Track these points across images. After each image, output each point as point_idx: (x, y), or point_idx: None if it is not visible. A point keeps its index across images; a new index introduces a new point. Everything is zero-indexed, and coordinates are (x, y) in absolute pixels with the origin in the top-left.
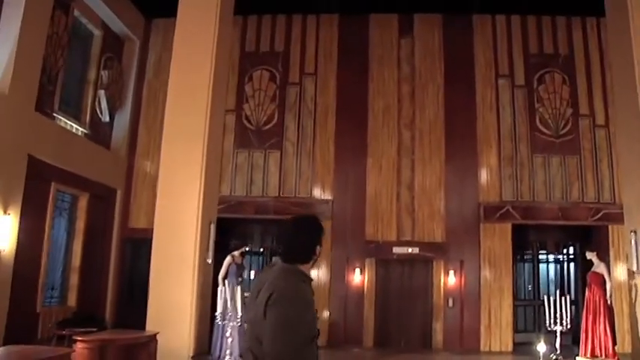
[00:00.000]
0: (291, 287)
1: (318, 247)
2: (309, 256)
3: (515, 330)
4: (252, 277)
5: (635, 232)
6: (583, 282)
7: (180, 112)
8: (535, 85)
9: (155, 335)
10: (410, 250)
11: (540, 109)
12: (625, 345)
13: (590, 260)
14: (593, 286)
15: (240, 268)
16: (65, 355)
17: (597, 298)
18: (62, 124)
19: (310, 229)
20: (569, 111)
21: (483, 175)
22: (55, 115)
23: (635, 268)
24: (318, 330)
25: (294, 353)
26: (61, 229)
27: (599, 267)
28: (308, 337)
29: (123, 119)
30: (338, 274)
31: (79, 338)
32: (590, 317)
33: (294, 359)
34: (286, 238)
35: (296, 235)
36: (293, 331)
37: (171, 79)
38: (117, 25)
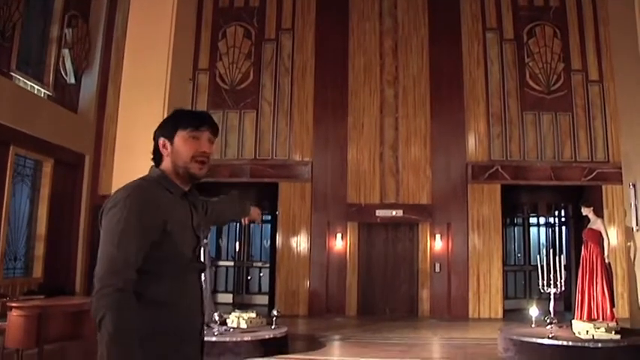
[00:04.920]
0: (124, 189)
1: (161, 139)
2: (156, 154)
3: (505, 297)
4: (222, 244)
5: (634, 185)
6: (576, 246)
7: (139, 66)
8: (525, 39)
9: None
10: (394, 213)
11: (530, 64)
12: (620, 310)
13: (585, 218)
14: (589, 243)
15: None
16: None
17: (594, 257)
18: (21, 85)
19: (163, 121)
20: (561, 66)
21: (471, 134)
22: (12, 74)
23: (634, 225)
24: (197, 256)
25: (122, 262)
26: (24, 196)
27: (595, 223)
28: (143, 245)
29: (90, 81)
30: (318, 240)
31: (14, 305)
32: (587, 277)
33: (118, 269)
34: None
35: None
36: (121, 236)
37: (129, 31)
38: None
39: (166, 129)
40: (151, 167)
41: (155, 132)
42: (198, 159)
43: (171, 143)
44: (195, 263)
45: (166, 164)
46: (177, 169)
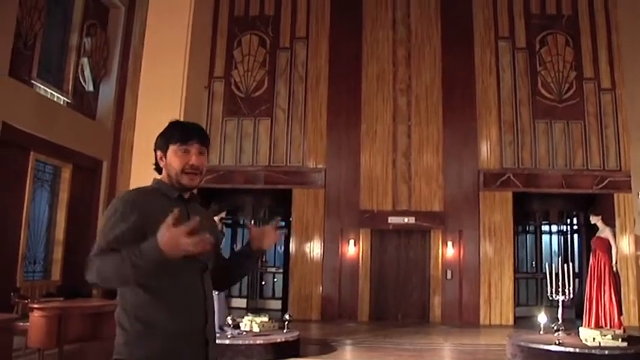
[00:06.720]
0: (116, 197)
1: (158, 152)
2: (158, 164)
3: (517, 304)
4: (237, 249)
5: None
6: (587, 254)
7: (156, 74)
8: (537, 48)
9: None
10: (406, 219)
11: (542, 72)
12: (632, 318)
13: (595, 226)
14: (597, 252)
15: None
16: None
17: (602, 265)
18: (42, 92)
19: (159, 135)
20: (573, 74)
21: (483, 141)
22: (33, 82)
23: None
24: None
25: (94, 258)
26: (43, 201)
27: (604, 232)
28: (110, 242)
29: (108, 89)
30: (331, 246)
31: (36, 306)
32: (595, 285)
33: (101, 248)
34: None
35: None
36: (100, 236)
37: (147, 39)
38: None
39: (161, 143)
40: (154, 179)
41: (154, 144)
42: (188, 171)
43: (166, 156)
44: (192, 262)
45: (164, 175)
46: (171, 180)
